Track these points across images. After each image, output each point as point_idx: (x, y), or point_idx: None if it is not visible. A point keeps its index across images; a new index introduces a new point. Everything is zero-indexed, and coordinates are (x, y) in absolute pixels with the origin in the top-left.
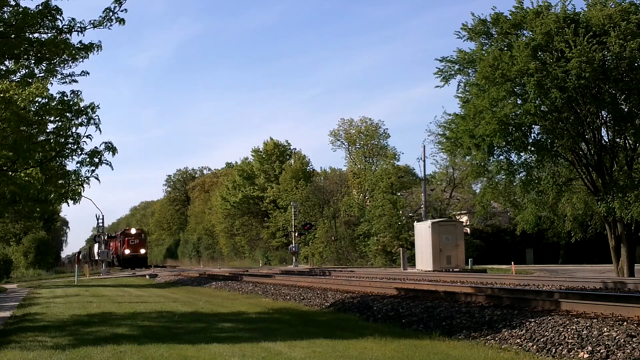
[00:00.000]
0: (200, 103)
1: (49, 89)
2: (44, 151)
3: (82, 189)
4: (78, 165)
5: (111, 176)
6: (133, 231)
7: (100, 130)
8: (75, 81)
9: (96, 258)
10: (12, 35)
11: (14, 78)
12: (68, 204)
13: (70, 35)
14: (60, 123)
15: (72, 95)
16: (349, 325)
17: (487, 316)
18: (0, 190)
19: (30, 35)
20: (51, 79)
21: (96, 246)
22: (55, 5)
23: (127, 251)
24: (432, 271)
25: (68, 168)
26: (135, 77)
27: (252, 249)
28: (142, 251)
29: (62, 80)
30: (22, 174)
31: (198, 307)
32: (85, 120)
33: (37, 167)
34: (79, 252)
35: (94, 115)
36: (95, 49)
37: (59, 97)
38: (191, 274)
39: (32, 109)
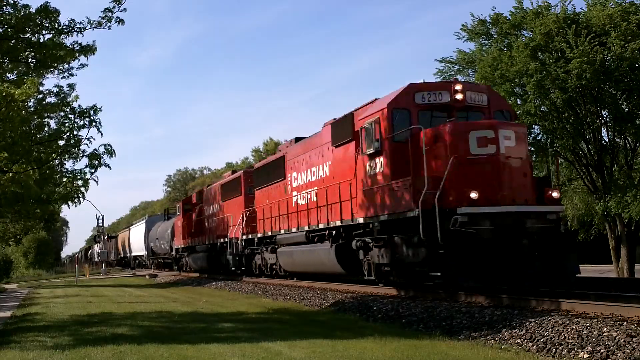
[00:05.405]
0: (200, 103)
1: (44, 84)
2: (46, 153)
3: (84, 190)
4: (75, 165)
5: (111, 176)
6: None
7: (101, 133)
8: (73, 75)
9: (132, 253)
10: (11, 35)
11: (11, 76)
12: (69, 205)
13: (70, 36)
14: (61, 126)
15: (68, 89)
16: (349, 325)
17: (487, 316)
18: (1, 190)
19: (30, 37)
20: (48, 75)
21: (142, 230)
22: (54, 7)
23: None
24: None
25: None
26: (136, 77)
27: None
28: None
29: (60, 76)
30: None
31: (198, 307)
32: (88, 123)
33: (36, 168)
34: (89, 248)
35: (96, 117)
36: (91, 51)
37: (56, 91)
38: (191, 274)
39: (31, 106)
